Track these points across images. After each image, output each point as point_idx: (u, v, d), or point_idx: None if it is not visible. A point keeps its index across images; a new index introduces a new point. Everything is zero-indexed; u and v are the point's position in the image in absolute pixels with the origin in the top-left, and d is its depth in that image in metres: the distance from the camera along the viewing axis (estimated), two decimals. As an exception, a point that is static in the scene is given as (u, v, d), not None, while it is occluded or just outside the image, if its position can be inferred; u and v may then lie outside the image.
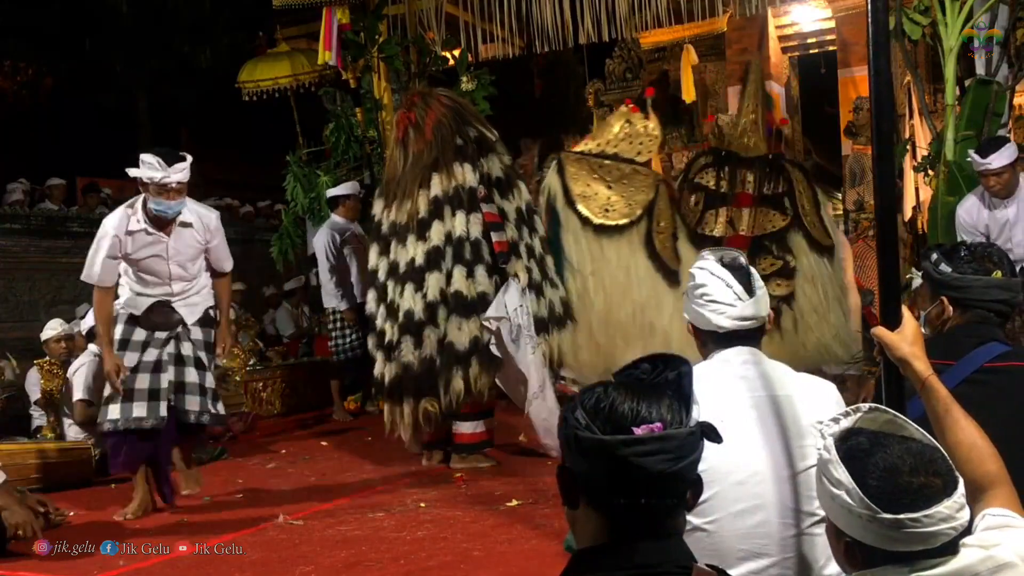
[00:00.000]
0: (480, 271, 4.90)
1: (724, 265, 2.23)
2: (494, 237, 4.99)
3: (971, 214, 5.28)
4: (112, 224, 4.35)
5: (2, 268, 8.46)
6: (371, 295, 5.17)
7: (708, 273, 2.23)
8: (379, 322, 5.05)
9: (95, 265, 4.34)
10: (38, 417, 6.41)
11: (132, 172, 4.33)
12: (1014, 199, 5.14)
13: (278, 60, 8.84)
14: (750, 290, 2.19)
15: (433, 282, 4.86)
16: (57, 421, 6.09)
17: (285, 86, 8.69)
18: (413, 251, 4.93)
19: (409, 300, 4.88)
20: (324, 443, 6.26)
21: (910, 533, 1.41)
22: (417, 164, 5.04)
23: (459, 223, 4.91)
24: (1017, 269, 3.51)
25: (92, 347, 5.65)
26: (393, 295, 5.00)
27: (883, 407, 1.58)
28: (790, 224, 5.44)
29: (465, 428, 5.17)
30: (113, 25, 11.99)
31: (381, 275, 5.08)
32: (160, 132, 14.20)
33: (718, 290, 2.19)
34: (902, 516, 1.40)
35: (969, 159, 5.22)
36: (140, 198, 4.39)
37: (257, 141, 13.84)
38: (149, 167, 4.25)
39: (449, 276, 4.87)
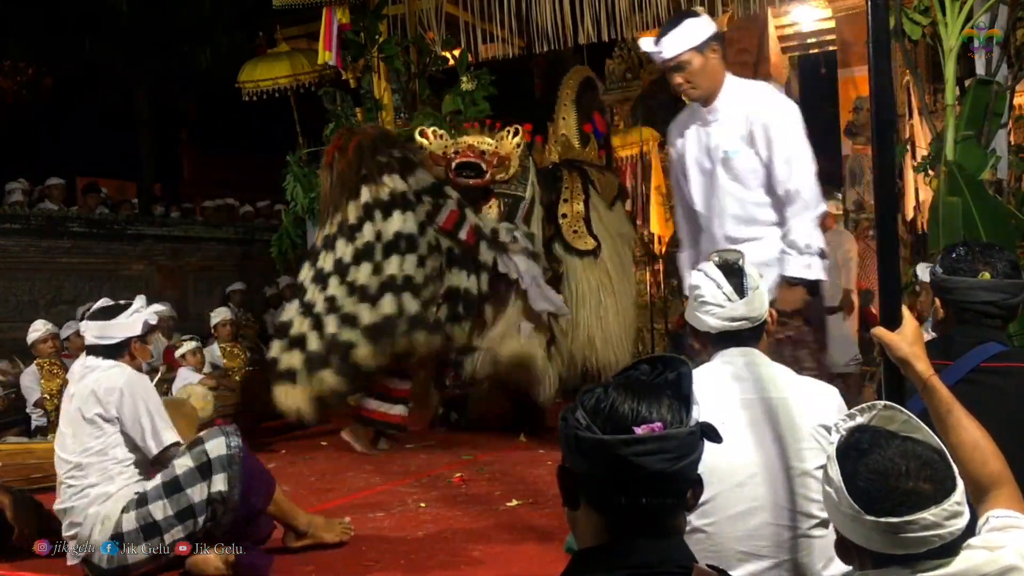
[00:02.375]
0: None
1: (719, 267, 2.24)
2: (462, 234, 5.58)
3: (675, 137, 3.49)
4: None
5: (2, 268, 8.47)
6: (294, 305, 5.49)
7: (703, 275, 2.25)
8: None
9: None
10: (38, 417, 6.40)
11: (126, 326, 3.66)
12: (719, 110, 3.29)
13: (278, 60, 8.84)
14: (741, 291, 2.20)
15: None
16: (58, 421, 6.07)
17: (285, 86, 8.68)
18: (342, 251, 5.39)
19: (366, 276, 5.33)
20: (324, 443, 6.25)
21: (892, 537, 1.41)
22: (342, 181, 5.49)
23: (396, 222, 5.39)
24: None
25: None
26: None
27: (898, 406, 1.58)
28: (554, 234, 6.03)
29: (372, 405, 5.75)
30: (113, 25, 11.98)
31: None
32: (160, 132, 14.19)
33: (709, 291, 2.21)
34: (882, 520, 1.41)
35: (643, 50, 3.42)
36: None
37: (257, 141, 13.84)
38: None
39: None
